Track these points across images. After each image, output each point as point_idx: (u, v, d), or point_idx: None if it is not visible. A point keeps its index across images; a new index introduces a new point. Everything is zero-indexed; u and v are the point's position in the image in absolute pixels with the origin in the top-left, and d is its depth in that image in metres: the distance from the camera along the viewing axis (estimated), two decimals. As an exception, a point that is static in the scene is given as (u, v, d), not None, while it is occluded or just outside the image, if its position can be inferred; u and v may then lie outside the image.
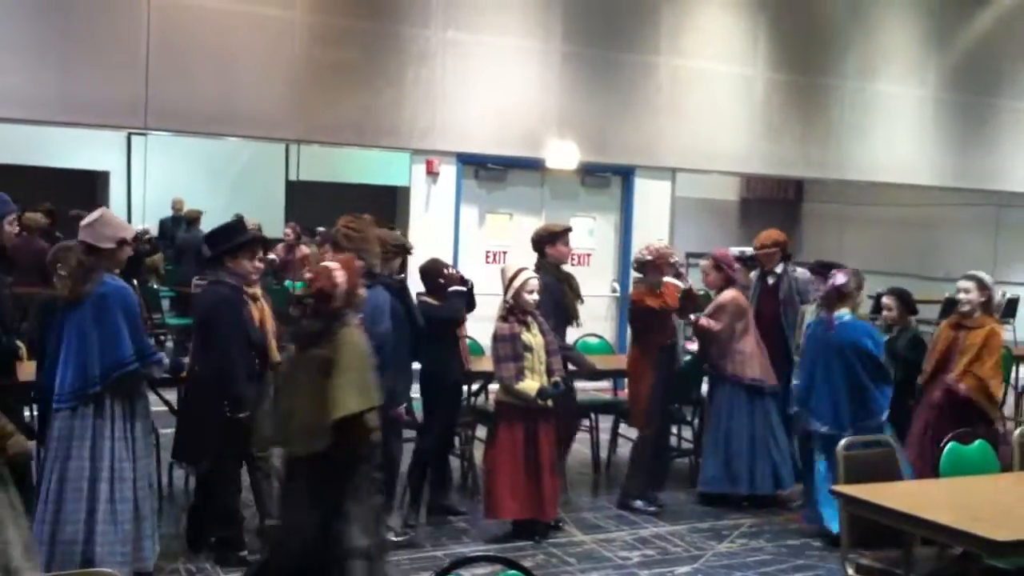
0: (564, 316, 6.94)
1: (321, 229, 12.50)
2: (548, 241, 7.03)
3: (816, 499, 6.43)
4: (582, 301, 7.21)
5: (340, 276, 4.69)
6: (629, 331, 7.66)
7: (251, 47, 10.24)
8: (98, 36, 9.66)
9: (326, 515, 4.57)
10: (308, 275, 4.81)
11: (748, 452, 7.10)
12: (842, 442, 4.98)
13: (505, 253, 11.25)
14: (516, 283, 6.20)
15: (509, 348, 6.13)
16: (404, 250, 6.58)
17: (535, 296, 6.24)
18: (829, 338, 6.35)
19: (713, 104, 12.65)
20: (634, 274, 7.42)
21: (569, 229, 7.21)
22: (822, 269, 7.20)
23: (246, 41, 10.21)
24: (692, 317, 7.30)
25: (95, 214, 5.38)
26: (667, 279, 6.99)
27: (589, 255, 11.82)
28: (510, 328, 6.16)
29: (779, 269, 7.70)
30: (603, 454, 8.15)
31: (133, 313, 5.24)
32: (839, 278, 6.42)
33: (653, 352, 6.93)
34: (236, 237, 5.66)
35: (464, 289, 6.61)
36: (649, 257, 6.96)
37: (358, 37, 10.75)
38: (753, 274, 7.88)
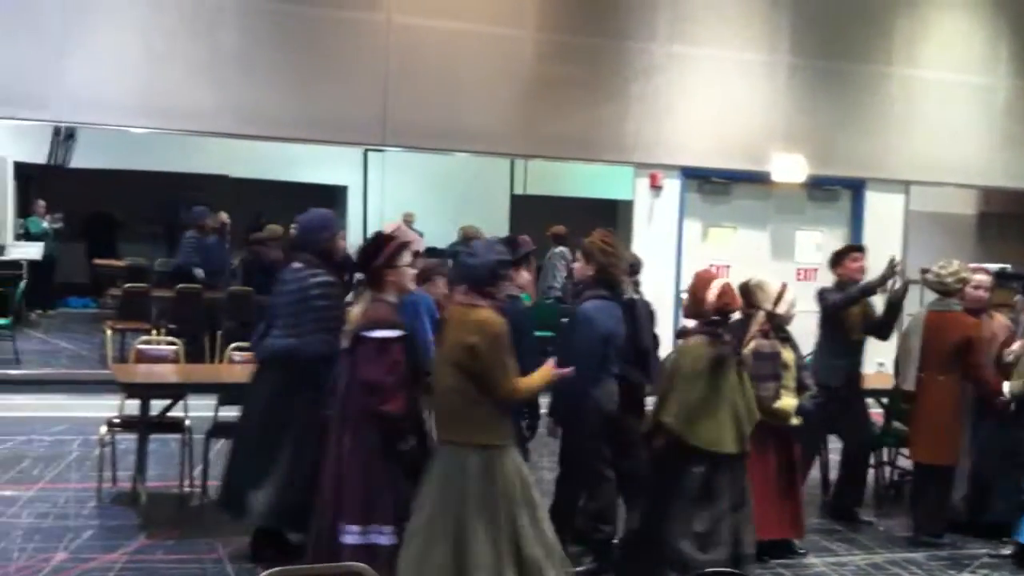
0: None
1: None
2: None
3: None
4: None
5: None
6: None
7: (481, 65, 10.58)
8: (341, 58, 10.22)
9: None
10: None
11: None
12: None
13: (728, 267, 11.12)
14: (787, 297, 6.17)
15: (771, 367, 6.07)
16: (634, 269, 6.61)
17: (795, 311, 6.21)
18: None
19: (949, 114, 12.15)
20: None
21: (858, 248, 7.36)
22: None
23: (477, 59, 10.56)
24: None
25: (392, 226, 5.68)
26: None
27: (816, 270, 11.53)
28: (771, 346, 6.10)
29: None
30: (832, 474, 7.95)
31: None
32: None
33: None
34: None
35: None
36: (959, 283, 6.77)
37: (584, 53, 10.93)
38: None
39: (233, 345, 7.43)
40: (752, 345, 5.97)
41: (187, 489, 6.76)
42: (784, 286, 6.22)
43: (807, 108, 11.63)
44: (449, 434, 4.62)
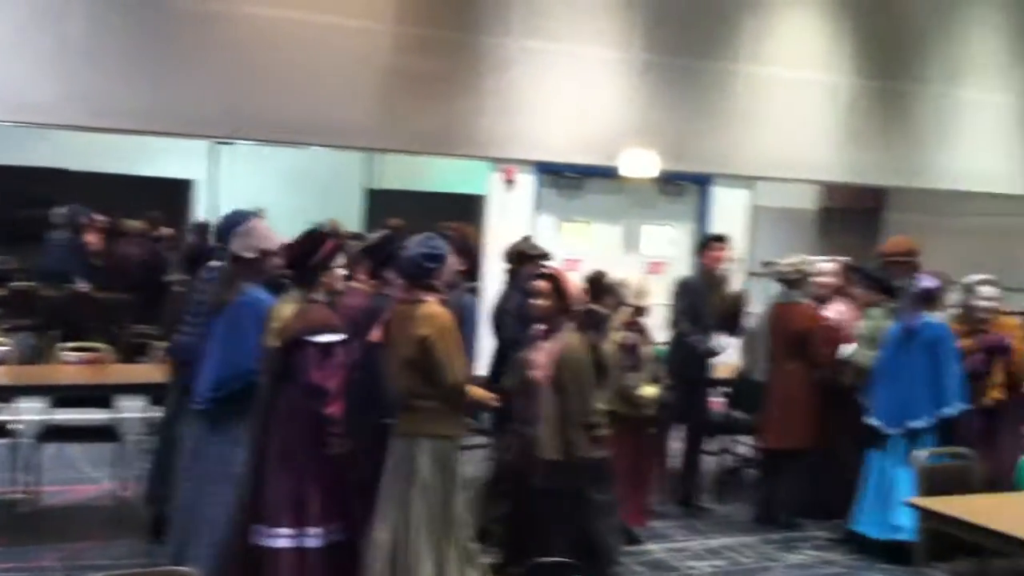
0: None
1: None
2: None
3: (873, 502, 6.31)
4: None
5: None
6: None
7: (335, 58, 10.41)
8: (191, 48, 9.92)
9: None
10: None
11: None
12: (921, 454, 4.92)
13: (581, 261, 11.26)
14: (645, 291, 6.30)
15: (635, 359, 6.20)
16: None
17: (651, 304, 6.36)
18: (914, 338, 6.29)
19: (793, 111, 12.52)
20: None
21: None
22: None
23: (331, 52, 10.39)
24: None
25: (247, 224, 5.29)
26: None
27: (665, 264, 11.78)
28: (635, 338, 6.25)
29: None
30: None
31: (259, 331, 4.96)
32: (926, 281, 6.35)
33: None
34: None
35: None
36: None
37: (440, 47, 10.87)
38: None
39: (64, 345, 7.18)
40: (619, 337, 6.10)
41: (18, 495, 6.50)
42: (642, 280, 6.40)
43: (659, 104, 11.83)
44: (402, 427, 4.80)
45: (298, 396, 4.65)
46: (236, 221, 5.32)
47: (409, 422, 4.80)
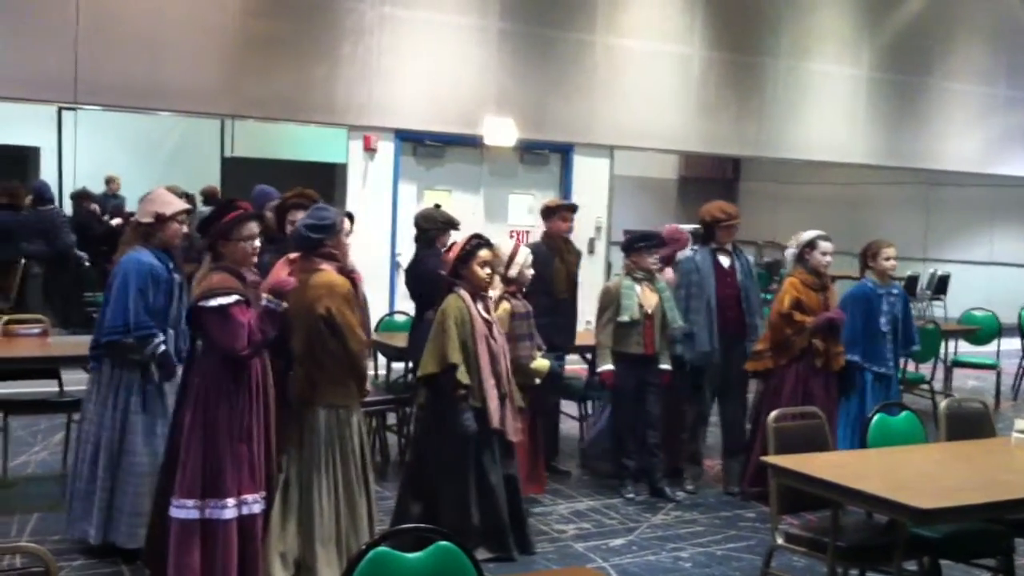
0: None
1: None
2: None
3: None
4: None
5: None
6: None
7: (182, 19, 10.07)
8: (29, 9, 9.45)
9: None
10: None
11: None
12: (772, 414, 5.04)
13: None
14: (518, 260, 6.14)
15: (526, 326, 6.12)
16: None
17: (529, 273, 6.23)
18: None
19: (650, 82, 12.71)
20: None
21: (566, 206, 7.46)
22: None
23: (177, 13, 10.04)
24: None
25: (152, 191, 5.50)
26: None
27: (528, 232, 11.81)
28: (524, 305, 6.14)
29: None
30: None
31: (140, 288, 5.17)
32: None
33: None
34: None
35: None
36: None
37: (293, 11, 10.62)
38: (688, 251, 7.82)
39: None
40: (507, 306, 6.00)
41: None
42: (517, 247, 6.24)
43: (518, 73, 11.83)
44: (301, 395, 4.86)
45: (210, 365, 4.60)
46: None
47: (306, 390, 4.86)
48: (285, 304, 4.67)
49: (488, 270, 5.60)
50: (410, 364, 7.33)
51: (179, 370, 5.05)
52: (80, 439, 5.41)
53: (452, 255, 5.62)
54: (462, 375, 5.39)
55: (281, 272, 5.01)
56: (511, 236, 11.10)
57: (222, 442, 4.57)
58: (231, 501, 4.59)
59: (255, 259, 4.82)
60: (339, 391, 4.90)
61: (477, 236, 5.64)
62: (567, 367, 7.61)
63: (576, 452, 7.90)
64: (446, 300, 5.50)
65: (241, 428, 4.61)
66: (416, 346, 6.23)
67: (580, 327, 7.69)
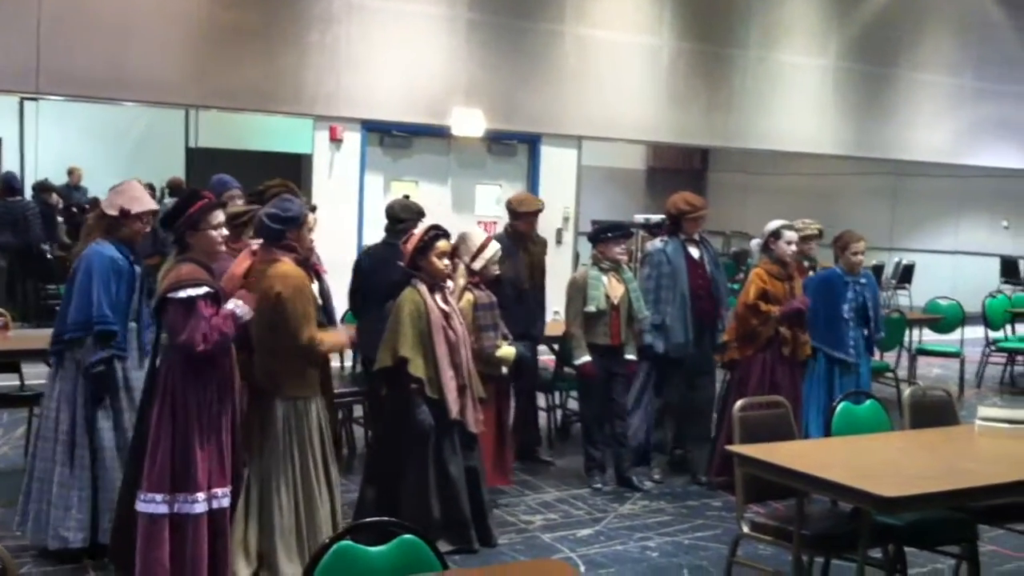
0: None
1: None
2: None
3: None
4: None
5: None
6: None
7: (147, 8, 9.95)
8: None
9: None
10: None
11: None
12: (739, 403, 5.04)
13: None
14: (486, 254, 6.08)
15: (491, 316, 6.07)
16: None
17: (496, 269, 6.17)
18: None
19: (619, 73, 12.70)
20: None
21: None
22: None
23: (142, 2, 9.91)
24: None
25: (124, 183, 5.43)
26: None
27: (495, 223, 11.77)
28: (488, 296, 6.08)
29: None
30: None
31: (103, 281, 5.11)
32: None
33: None
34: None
35: None
36: None
37: (260, 0, 10.51)
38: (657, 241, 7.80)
39: None
40: (470, 297, 5.96)
41: None
42: (488, 240, 6.16)
43: (486, 63, 11.78)
44: (259, 386, 4.86)
45: (178, 358, 4.53)
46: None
47: (264, 381, 4.87)
48: (252, 314, 4.62)
49: (446, 261, 5.57)
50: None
51: (145, 362, 4.98)
52: (40, 435, 5.28)
53: (410, 246, 5.57)
54: (414, 368, 5.36)
55: (244, 262, 4.95)
56: (479, 226, 11.05)
57: (192, 434, 4.49)
58: (201, 496, 4.51)
59: (223, 248, 4.77)
60: (296, 382, 4.89)
61: (435, 227, 5.60)
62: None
63: (545, 443, 7.88)
64: (402, 294, 5.47)
65: (210, 419, 4.55)
66: (365, 339, 6.38)
67: (548, 317, 7.67)
